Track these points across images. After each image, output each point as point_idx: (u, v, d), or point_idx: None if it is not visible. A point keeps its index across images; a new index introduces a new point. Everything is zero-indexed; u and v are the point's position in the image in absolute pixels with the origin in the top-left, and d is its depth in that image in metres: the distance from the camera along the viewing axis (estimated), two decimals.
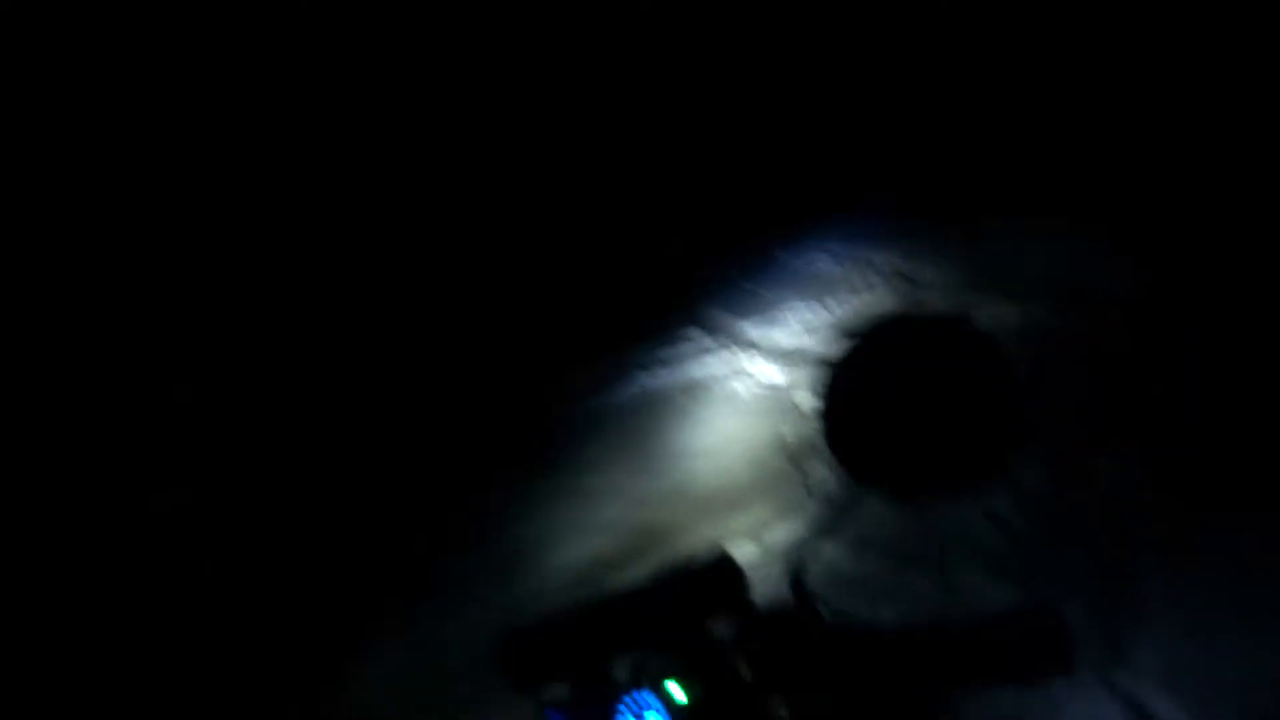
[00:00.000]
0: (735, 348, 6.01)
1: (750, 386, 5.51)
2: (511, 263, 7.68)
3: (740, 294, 6.80)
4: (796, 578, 1.47)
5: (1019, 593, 3.42)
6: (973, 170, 7.49)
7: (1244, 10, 6.11)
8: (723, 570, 1.41)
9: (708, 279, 7.18)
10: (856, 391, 1.48)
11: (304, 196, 7.58)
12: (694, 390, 5.64)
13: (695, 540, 4.17)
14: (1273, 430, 3.92)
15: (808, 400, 5.13)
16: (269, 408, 6.16)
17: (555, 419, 5.63)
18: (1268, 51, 5.87)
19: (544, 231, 8.02)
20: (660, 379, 5.86)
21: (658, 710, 1.24)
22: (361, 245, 7.50)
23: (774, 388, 5.42)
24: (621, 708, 1.25)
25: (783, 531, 4.08)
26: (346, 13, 8.07)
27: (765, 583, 3.76)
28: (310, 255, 7.29)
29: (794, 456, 4.61)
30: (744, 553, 3.94)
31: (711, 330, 6.31)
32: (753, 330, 6.21)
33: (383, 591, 4.57)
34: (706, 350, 6.06)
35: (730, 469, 4.67)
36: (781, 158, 9.45)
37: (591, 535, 4.51)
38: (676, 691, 1.25)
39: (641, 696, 1.25)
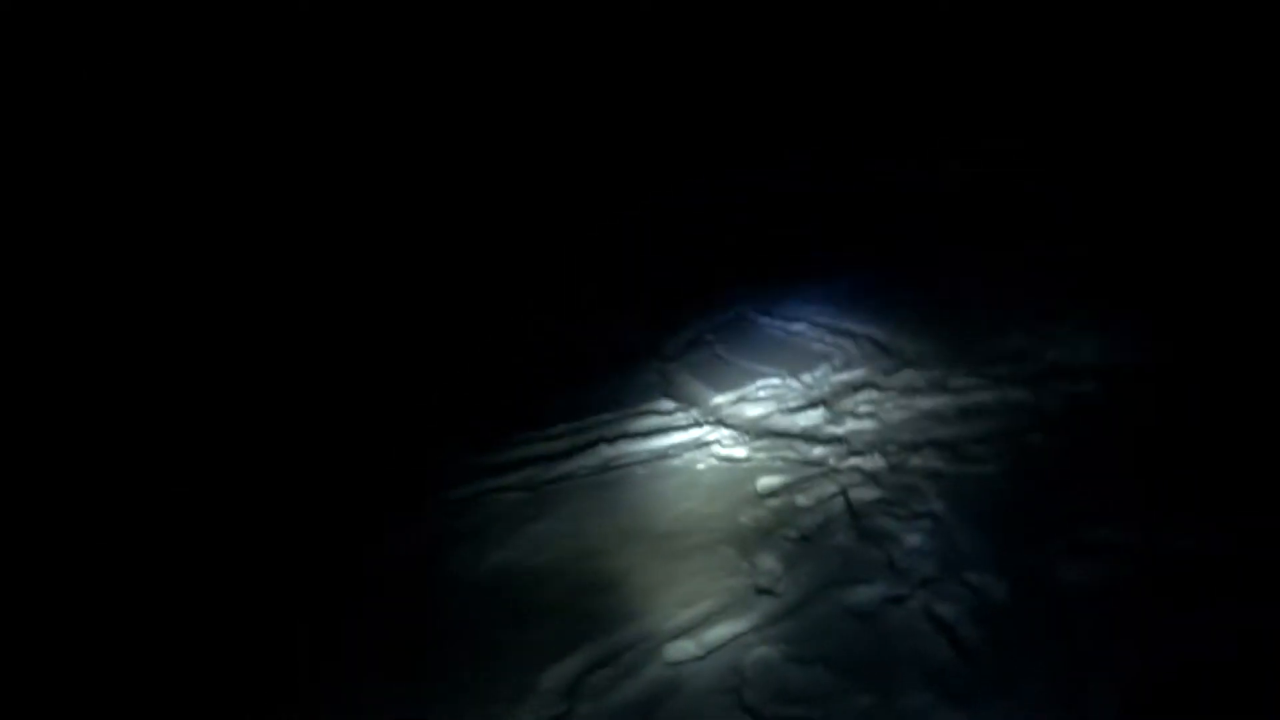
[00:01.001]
0: (702, 420, 5.78)
1: (711, 462, 5.24)
2: (475, 319, 7.66)
3: (714, 362, 6.59)
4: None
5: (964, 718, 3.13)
6: (954, 237, 7.38)
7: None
8: None
9: (682, 346, 7.02)
10: None
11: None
12: (654, 464, 5.38)
13: (633, 635, 3.87)
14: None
15: (766, 481, 4.89)
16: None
17: (506, 491, 5.36)
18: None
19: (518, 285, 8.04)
20: (621, 450, 5.61)
21: None
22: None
23: (733, 462, 5.16)
24: None
25: (724, 630, 3.79)
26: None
27: (699, 682, 3.51)
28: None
29: (744, 546, 4.33)
30: (681, 651, 3.69)
31: (680, 401, 6.08)
32: (721, 400, 5.98)
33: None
34: (674, 422, 5.83)
35: (679, 555, 4.37)
36: (765, 222, 9.47)
37: (531, 623, 4.21)
38: None
39: None
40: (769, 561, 4.16)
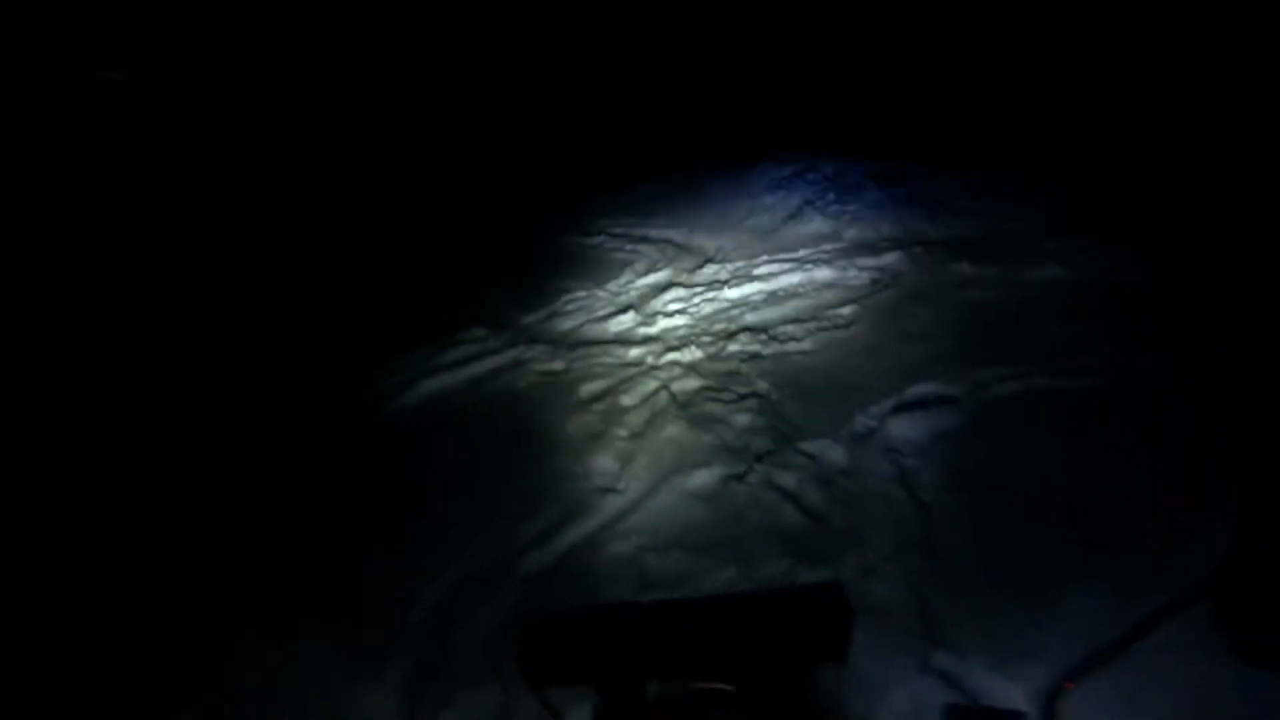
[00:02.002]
0: (516, 340, 5.62)
1: (531, 379, 5.10)
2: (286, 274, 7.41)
3: (522, 286, 6.41)
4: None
5: (825, 577, 3.14)
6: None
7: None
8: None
9: (494, 274, 6.81)
10: None
11: None
12: (474, 391, 5.19)
13: (483, 558, 3.70)
14: None
15: (588, 388, 4.78)
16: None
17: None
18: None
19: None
20: (441, 382, 5.38)
21: None
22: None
23: (553, 376, 5.04)
24: None
25: (572, 534, 3.68)
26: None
27: (558, 589, 3.38)
28: None
29: (577, 452, 4.23)
30: (533, 563, 3.56)
31: (491, 326, 5.89)
32: (531, 320, 5.84)
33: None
34: (488, 348, 5.63)
35: (513, 474, 4.21)
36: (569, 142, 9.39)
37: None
38: None
39: None
40: (605, 461, 4.07)
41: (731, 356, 4.72)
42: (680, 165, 7.96)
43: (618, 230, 6.96)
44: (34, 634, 3.91)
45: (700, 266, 5.90)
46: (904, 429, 3.78)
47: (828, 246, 5.73)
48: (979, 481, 3.39)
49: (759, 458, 3.80)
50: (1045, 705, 2.52)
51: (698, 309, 5.37)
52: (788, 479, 3.63)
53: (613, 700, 1.07)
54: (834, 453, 3.73)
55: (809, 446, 3.79)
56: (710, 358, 4.76)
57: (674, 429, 4.18)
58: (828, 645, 1.03)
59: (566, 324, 5.69)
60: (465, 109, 9.71)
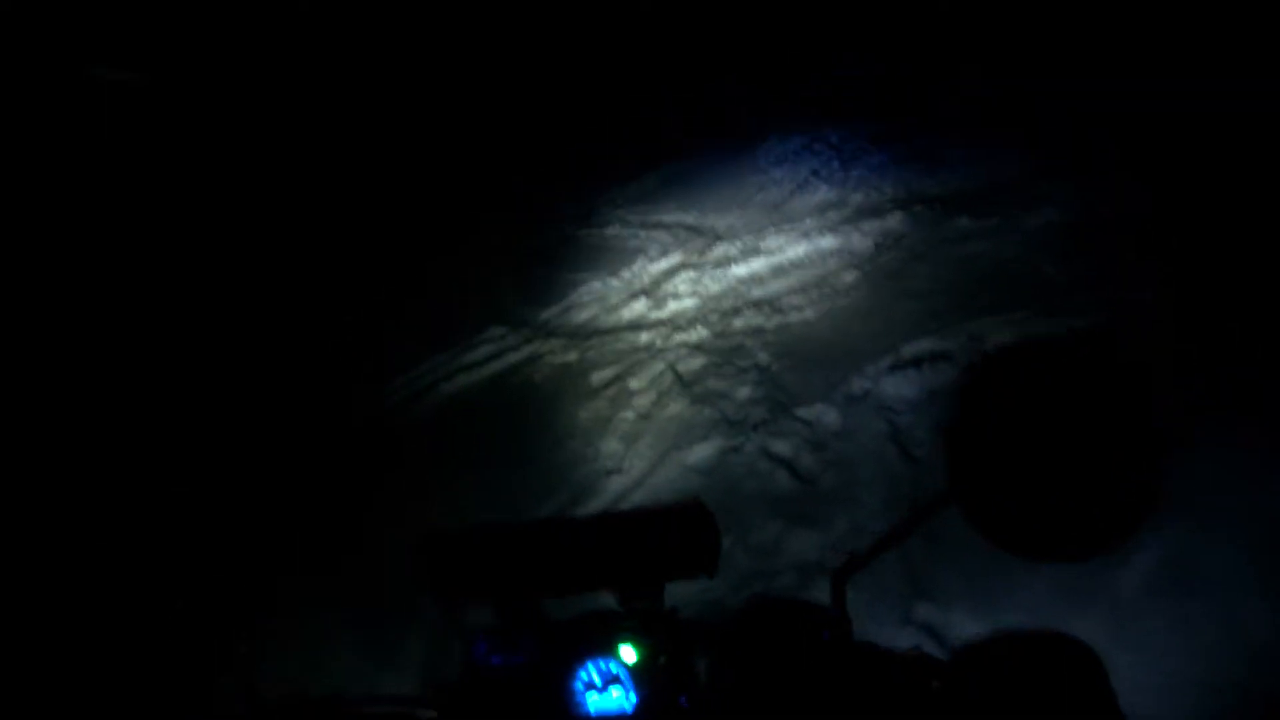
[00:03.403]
0: (533, 336, 5.73)
1: (546, 372, 5.21)
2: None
3: (538, 283, 6.51)
4: None
5: (815, 538, 3.20)
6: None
7: None
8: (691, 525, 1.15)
9: (511, 272, 6.91)
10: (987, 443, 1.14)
11: None
12: (493, 389, 5.32)
13: None
14: None
15: (599, 375, 4.87)
16: None
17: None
18: None
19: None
20: (459, 384, 5.52)
21: (623, 679, 1.10)
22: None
23: (567, 366, 5.14)
24: (582, 671, 1.11)
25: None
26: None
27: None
28: None
29: (587, 437, 4.33)
30: None
31: (511, 324, 6.00)
32: (548, 315, 5.94)
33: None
34: (506, 345, 5.75)
35: (525, 462, 4.34)
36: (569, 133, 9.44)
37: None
38: (628, 654, 1.10)
39: (602, 662, 1.11)
40: (612, 444, 4.17)
41: (736, 333, 4.78)
42: (690, 151, 7.98)
43: (631, 218, 7.02)
44: (38, 634, 4.01)
45: (710, 246, 5.95)
46: (898, 387, 3.82)
47: (833, 214, 5.74)
48: None
49: (755, 427, 3.87)
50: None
51: (706, 288, 5.43)
52: (783, 446, 3.70)
53: (506, 612, 1.17)
54: (829, 416, 3.79)
55: (804, 412, 3.86)
56: (715, 335, 4.83)
57: (677, 406, 4.27)
58: (697, 560, 1.10)
59: (582, 315, 5.79)
60: (469, 107, 9.76)
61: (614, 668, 1.10)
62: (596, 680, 1.11)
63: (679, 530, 1.12)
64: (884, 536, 1.15)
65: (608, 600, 1.14)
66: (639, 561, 1.12)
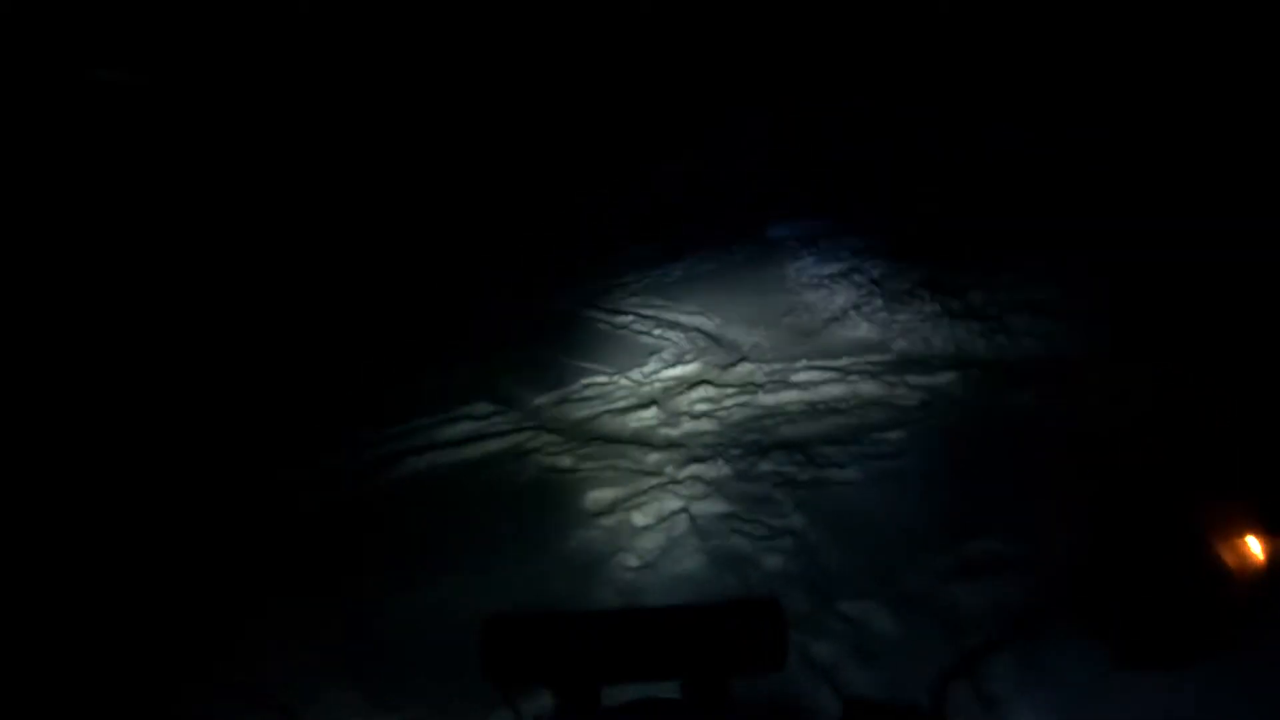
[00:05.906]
0: (523, 423, 5.11)
1: (533, 474, 4.57)
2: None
3: (537, 362, 5.90)
4: None
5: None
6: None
7: None
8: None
9: (507, 343, 6.34)
10: None
11: None
12: (466, 479, 4.67)
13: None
14: None
15: (597, 496, 4.23)
16: None
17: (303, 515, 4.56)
18: None
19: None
20: (430, 462, 4.88)
21: None
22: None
23: (559, 473, 4.51)
24: None
25: None
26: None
27: None
28: None
29: (573, 579, 3.67)
30: None
31: (498, 403, 5.38)
32: (543, 401, 5.33)
33: None
34: (491, 428, 5.13)
35: (502, 595, 3.66)
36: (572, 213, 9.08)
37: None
38: None
39: None
40: (606, 594, 3.50)
41: (764, 477, 4.15)
42: (718, 246, 7.50)
43: (646, 311, 6.47)
44: (38, 636, 3.71)
45: (733, 364, 5.38)
46: (963, 595, 3.20)
47: (874, 357, 5.19)
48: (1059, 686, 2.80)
49: (792, 619, 3.22)
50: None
51: (728, 414, 4.84)
52: (824, 650, 3.04)
53: (567, 699, 1.11)
54: (880, 620, 3.15)
55: (849, 608, 3.22)
56: (739, 475, 4.20)
57: (691, 564, 3.61)
58: (766, 655, 1.09)
59: (582, 411, 5.18)
60: (484, 132, 9.59)
61: None
62: None
63: (750, 625, 1.09)
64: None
65: (669, 688, 1.07)
66: (708, 653, 1.08)
